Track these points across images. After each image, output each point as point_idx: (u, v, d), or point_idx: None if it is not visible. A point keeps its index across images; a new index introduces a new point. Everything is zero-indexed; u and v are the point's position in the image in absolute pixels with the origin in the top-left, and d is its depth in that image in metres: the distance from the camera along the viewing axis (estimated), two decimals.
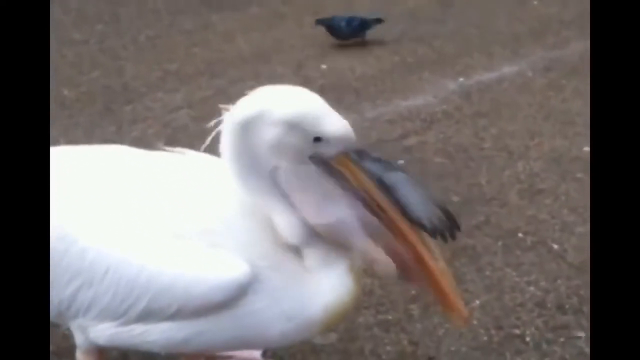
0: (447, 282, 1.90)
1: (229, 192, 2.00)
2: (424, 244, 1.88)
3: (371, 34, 5.22)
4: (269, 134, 1.84)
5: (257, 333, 1.98)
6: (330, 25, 5.13)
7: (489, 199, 3.43)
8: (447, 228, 1.86)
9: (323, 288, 1.96)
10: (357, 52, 5.03)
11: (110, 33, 5.16)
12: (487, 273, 2.95)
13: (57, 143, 3.83)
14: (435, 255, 1.90)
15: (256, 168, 1.90)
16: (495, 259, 3.02)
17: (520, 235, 3.18)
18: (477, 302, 2.80)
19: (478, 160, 3.74)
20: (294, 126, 1.83)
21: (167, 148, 2.14)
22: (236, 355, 2.49)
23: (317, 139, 1.85)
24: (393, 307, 2.77)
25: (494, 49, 5.05)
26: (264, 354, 2.52)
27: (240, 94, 4.23)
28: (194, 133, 3.96)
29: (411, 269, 1.93)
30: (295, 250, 1.98)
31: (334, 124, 1.85)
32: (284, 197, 1.92)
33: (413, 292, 2.82)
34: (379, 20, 5.25)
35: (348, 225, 1.89)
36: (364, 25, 5.17)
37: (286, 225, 1.94)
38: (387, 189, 1.85)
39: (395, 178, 1.86)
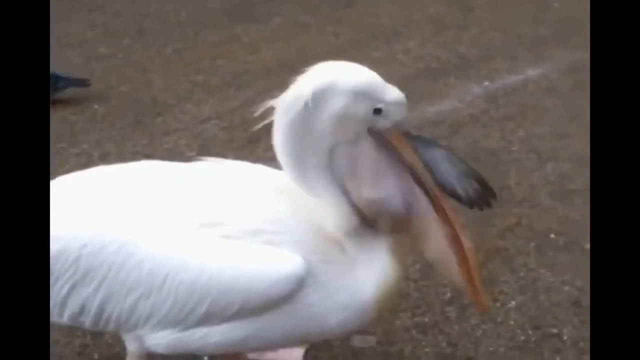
0: (475, 266, 1.95)
1: (274, 193, 2.06)
2: (460, 225, 1.95)
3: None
4: (336, 104, 1.90)
5: (314, 326, 2.04)
6: None
7: (520, 201, 3.46)
8: (483, 198, 1.98)
9: (369, 272, 2.01)
10: (378, 57, 5.04)
11: (136, 47, 5.21)
12: (522, 274, 2.99)
13: (91, 157, 3.95)
14: (468, 240, 1.96)
15: (311, 150, 1.95)
16: (529, 260, 3.06)
17: (552, 236, 3.21)
18: (513, 302, 2.83)
19: (507, 163, 3.77)
20: (361, 95, 1.90)
21: (203, 158, 2.19)
22: (279, 357, 2.53)
23: (377, 111, 1.91)
24: (430, 310, 2.81)
25: (517, 52, 5.06)
26: (305, 357, 2.57)
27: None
28: (224, 143, 4.03)
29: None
30: (340, 244, 2.04)
31: (395, 93, 1.93)
32: (336, 182, 1.98)
33: (449, 294, 2.86)
34: (80, 82, 4.43)
35: (398, 201, 1.95)
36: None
37: (337, 212, 2.00)
38: (428, 164, 1.94)
39: (434, 154, 1.96)
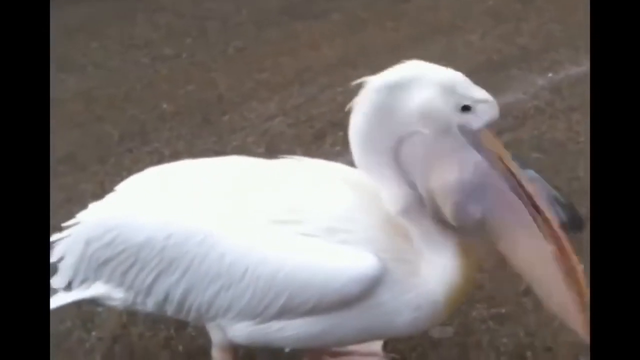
0: (583, 287, 1.90)
1: (349, 190, 2.11)
2: (568, 242, 1.91)
3: None
4: (421, 96, 1.91)
5: (386, 324, 2.08)
6: None
7: None
8: (574, 222, 1.93)
9: (439, 272, 2.03)
10: (439, 51, 5.06)
11: (199, 47, 5.31)
12: None
13: (162, 155, 4.04)
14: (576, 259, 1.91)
15: (385, 134, 1.95)
16: None
17: None
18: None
19: (575, 154, 3.76)
20: (447, 89, 1.90)
21: (282, 156, 2.25)
22: (357, 350, 2.58)
23: (466, 108, 1.92)
24: (505, 301, 2.83)
25: (579, 42, 5.02)
26: (384, 348, 2.61)
27: (331, 99, 4.33)
28: (291, 139, 4.09)
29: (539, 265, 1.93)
30: (411, 243, 2.05)
31: (482, 92, 1.95)
32: (400, 168, 1.97)
33: (524, 286, 2.87)
34: None
35: (476, 206, 1.92)
36: None
37: (394, 194, 2.00)
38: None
39: (527, 174, 1.93)
